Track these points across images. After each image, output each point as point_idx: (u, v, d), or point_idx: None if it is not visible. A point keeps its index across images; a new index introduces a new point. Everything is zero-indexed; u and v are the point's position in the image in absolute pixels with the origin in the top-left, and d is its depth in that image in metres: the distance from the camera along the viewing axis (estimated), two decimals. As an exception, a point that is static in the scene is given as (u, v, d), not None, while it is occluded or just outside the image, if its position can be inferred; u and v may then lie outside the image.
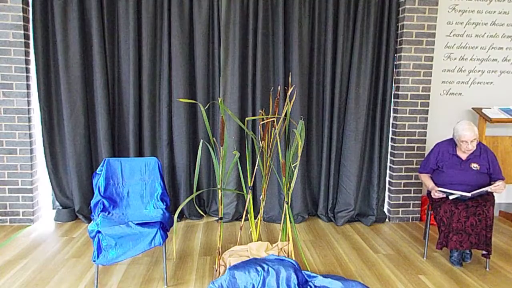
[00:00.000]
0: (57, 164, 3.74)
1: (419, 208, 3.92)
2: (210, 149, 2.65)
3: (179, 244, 3.26)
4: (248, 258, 2.59)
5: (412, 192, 3.88)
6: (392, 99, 3.86)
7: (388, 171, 3.94)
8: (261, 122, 3.05)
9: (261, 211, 3.04)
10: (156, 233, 2.44)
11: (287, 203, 2.74)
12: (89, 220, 3.68)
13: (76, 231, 3.49)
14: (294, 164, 2.77)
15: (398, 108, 3.76)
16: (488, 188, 2.80)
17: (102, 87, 3.57)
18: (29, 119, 3.54)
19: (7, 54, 3.43)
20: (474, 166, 2.92)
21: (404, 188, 3.87)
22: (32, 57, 3.53)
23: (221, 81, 3.65)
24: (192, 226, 3.70)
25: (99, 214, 2.62)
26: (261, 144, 2.86)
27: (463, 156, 2.96)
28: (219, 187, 2.67)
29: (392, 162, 3.88)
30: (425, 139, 3.82)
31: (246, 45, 3.66)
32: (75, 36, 3.49)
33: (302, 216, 3.83)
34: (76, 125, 3.60)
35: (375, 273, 2.80)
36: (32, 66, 3.55)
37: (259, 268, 2.36)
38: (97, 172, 2.84)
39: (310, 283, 2.43)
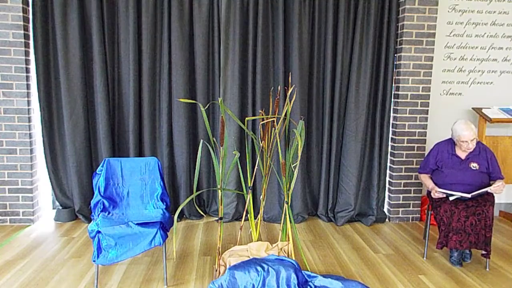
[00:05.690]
0: (57, 164, 3.74)
1: (419, 208, 3.93)
2: (210, 149, 2.65)
3: (179, 244, 3.26)
4: (248, 258, 2.58)
5: (412, 192, 3.88)
6: (392, 99, 3.86)
7: (388, 171, 3.94)
8: (261, 122, 3.05)
9: (261, 211, 3.04)
10: (156, 233, 2.44)
11: (287, 203, 2.74)
12: (89, 220, 3.68)
13: (76, 231, 3.49)
14: (294, 164, 2.76)
15: (398, 108, 3.76)
16: (488, 189, 2.80)
17: (102, 87, 3.57)
18: (29, 119, 3.54)
19: (7, 54, 3.43)
20: (473, 165, 2.92)
21: (404, 188, 3.87)
22: (32, 57, 3.53)
23: (221, 81, 3.65)
24: (192, 226, 3.70)
25: (99, 214, 2.62)
26: (261, 144, 2.86)
27: (462, 156, 2.97)
28: (219, 187, 2.67)
29: (392, 162, 3.88)
30: (425, 139, 3.82)
31: (246, 45, 3.66)
32: (75, 36, 3.49)
33: (302, 216, 3.83)
34: (76, 125, 3.60)
35: (375, 273, 2.80)
36: (32, 66, 3.55)
37: (259, 268, 2.36)
38: (97, 172, 2.84)
39: (310, 283, 2.43)
